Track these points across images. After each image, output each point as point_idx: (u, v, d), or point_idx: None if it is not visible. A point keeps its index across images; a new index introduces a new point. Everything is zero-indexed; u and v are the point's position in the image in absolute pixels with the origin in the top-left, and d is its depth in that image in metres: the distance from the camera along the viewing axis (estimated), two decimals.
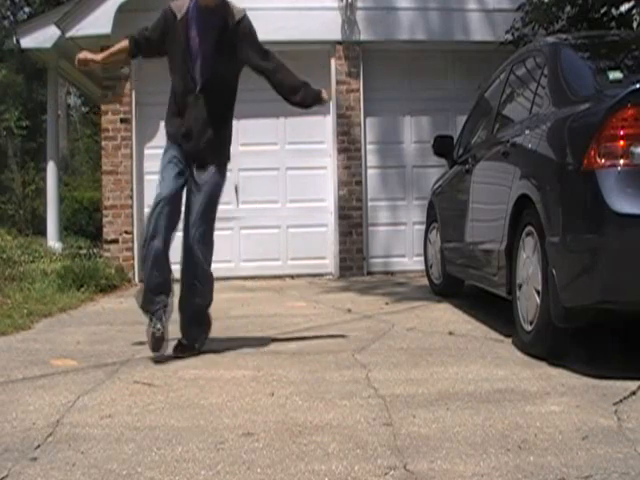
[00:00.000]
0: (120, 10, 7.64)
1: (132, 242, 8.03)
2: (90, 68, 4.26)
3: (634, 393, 2.96)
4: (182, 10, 3.87)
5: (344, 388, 3.19)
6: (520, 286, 3.90)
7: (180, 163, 3.92)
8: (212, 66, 3.88)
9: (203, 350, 4.00)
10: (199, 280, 3.97)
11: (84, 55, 4.15)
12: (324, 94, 4.19)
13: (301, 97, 4.13)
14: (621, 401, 2.87)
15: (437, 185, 6.41)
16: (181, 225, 3.96)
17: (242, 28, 3.92)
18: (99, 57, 4.19)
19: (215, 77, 3.89)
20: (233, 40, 3.90)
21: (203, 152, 3.93)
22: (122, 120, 8.02)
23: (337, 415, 2.79)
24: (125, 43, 4.08)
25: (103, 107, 8.13)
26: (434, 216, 6.35)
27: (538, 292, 3.60)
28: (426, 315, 5.23)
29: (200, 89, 3.88)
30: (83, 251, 9.75)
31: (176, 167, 3.91)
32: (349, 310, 5.51)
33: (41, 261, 8.53)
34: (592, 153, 3.19)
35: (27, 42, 8.64)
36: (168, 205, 3.84)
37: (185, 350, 3.95)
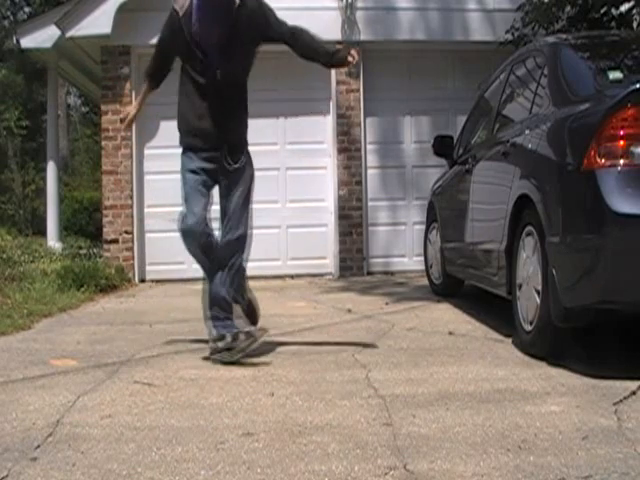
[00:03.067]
0: (120, 10, 7.63)
1: (132, 242, 8.03)
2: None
3: (634, 393, 2.96)
4: (185, 5, 3.79)
5: (344, 388, 3.19)
6: (520, 286, 3.90)
7: (204, 175, 3.84)
8: (223, 57, 3.81)
9: (204, 350, 4.00)
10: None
11: (127, 116, 4.24)
12: (353, 53, 3.97)
13: (325, 58, 4.02)
14: (621, 401, 2.87)
15: (437, 185, 6.41)
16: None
17: (245, 10, 3.81)
18: (137, 109, 4.22)
19: (227, 67, 3.83)
20: (239, 25, 3.80)
21: (231, 143, 3.89)
22: (122, 120, 7.99)
23: (337, 415, 2.79)
24: (146, 85, 4.11)
25: (103, 107, 8.12)
26: (434, 216, 6.35)
27: (538, 292, 3.60)
28: (426, 315, 5.23)
29: (216, 82, 3.81)
30: (83, 251, 9.76)
31: (201, 185, 3.83)
32: (349, 310, 5.51)
33: (41, 261, 8.54)
34: (592, 153, 3.19)
35: (27, 42, 8.63)
36: (197, 239, 3.79)
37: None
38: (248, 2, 3.83)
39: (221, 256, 3.84)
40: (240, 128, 3.97)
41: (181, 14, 3.79)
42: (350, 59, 3.94)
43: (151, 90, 4.13)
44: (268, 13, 3.94)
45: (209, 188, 3.89)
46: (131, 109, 4.25)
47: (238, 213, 3.87)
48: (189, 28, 3.77)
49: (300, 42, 3.96)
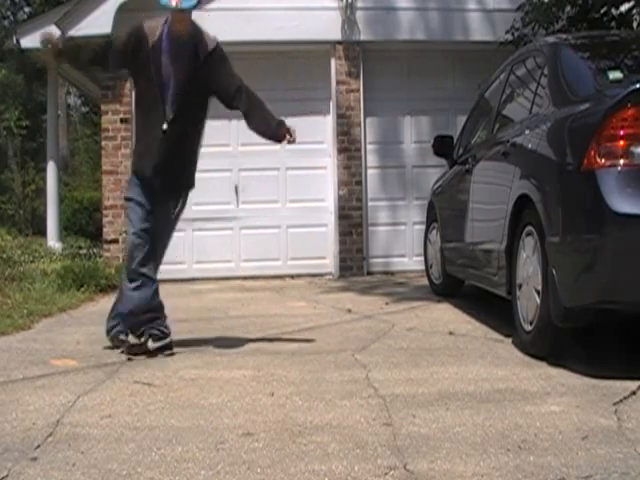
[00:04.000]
0: (120, 10, 7.64)
1: None
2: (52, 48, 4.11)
3: (634, 393, 2.96)
4: (155, 35, 3.80)
5: (344, 388, 3.19)
6: (520, 286, 3.90)
7: (147, 202, 3.93)
8: (183, 97, 3.83)
9: (204, 350, 4.00)
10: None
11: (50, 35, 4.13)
12: (292, 133, 4.04)
13: (265, 132, 4.10)
14: (621, 401, 2.87)
15: (437, 185, 6.41)
16: None
17: (214, 59, 3.86)
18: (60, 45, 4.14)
19: (185, 108, 3.85)
20: (204, 70, 3.84)
21: (174, 185, 3.97)
22: (122, 120, 8.02)
23: (337, 415, 2.79)
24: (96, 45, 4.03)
25: (103, 107, 8.13)
26: (434, 216, 6.35)
27: (538, 292, 3.60)
28: (426, 315, 5.23)
29: (170, 121, 3.83)
30: (83, 251, 9.74)
31: (143, 209, 3.92)
32: (349, 310, 5.51)
33: (41, 261, 8.53)
34: (592, 153, 3.19)
35: (27, 42, 8.60)
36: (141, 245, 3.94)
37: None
38: (218, 51, 3.88)
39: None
40: (186, 173, 4.03)
41: (151, 44, 3.78)
42: (288, 138, 4.03)
43: (90, 55, 4.09)
44: (229, 67, 3.97)
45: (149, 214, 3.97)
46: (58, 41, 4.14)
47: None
48: (157, 61, 3.77)
49: (251, 111, 4.02)
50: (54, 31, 4.02)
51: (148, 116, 3.89)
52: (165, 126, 3.83)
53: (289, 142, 4.08)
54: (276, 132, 4.05)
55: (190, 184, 4.08)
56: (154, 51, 3.78)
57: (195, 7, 3.80)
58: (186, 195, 4.08)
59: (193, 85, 3.84)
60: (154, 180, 3.89)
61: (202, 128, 4.04)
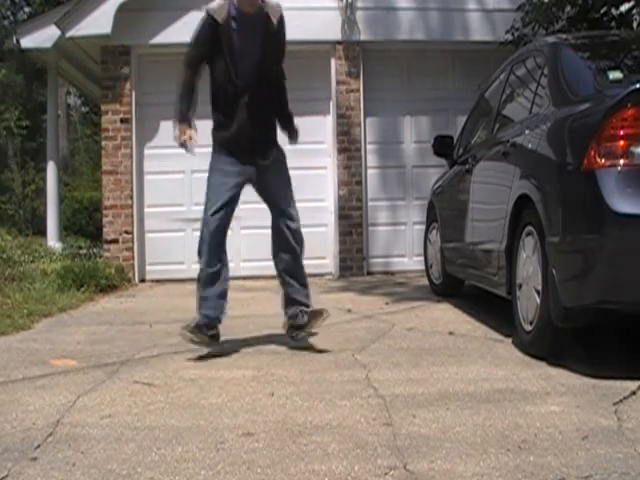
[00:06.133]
0: (120, 10, 7.63)
1: (132, 242, 8.03)
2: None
3: (634, 393, 2.96)
4: (222, 15, 3.84)
5: (344, 388, 3.19)
6: (520, 286, 3.90)
7: (236, 177, 3.96)
8: (258, 69, 3.89)
9: (203, 350, 4.00)
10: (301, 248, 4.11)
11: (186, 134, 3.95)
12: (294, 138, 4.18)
13: (284, 124, 4.16)
14: (621, 401, 2.87)
15: (437, 185, 6.41)
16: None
17: (279, 29, 3.94)
18: (189, 122, 3.98)
19: (262, 78, 3.91)
20: (274, 39, 3.93)
21: (262, 146, 4.00)
22: (122, 120, 8.02)
23: (337, 415, 2.79)
24: (188, 75, 3.96)
25: (103, 107, 8.12)
26: (434, 216, 6.35)
27: (538, 292, 3.60)
28: (426, 315, 5.23)
29: (249, 92, 3.89)
30: (83, 251, 9.76)
31: (232, 186, 3.95)
32: (349, 310, 5.51)
33: (41, 261, 8.54)
34: (592, 153, 3.19)
35: (27, 42, 8.63)
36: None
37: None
38: (283, 22, 3.95)
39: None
40: (270, 136, 4.08)
41: (221, 22, 3.82)
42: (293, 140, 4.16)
43: (191, 84, 4.00)
44: (284, 43, 4.05)
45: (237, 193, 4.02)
46: (186, 129, 3.95)
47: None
48: (230, 39, 3.82)
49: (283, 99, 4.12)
50: (186, 131, 3.96)
51: (226, 90, 3.91)
52: (246, 93, 3.89)
53: (291, 142, 4.15)
54: (294, 129, 4.16)
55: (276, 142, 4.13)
56: (225, 32, 3.82)
57: None
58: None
59: (266, 57, 3.91)
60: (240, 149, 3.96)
61: (283, 92, 4.12)
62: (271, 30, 3.90)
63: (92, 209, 14.44)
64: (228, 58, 3.85)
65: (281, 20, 3.95)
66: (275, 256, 4.11)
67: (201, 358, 3.87)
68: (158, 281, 7.99)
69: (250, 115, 3.91)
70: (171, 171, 8.10)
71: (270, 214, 4.10)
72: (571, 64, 3.97)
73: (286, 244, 4.04)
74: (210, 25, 3.86)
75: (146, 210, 8.16)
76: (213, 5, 3.95)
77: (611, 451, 2.33)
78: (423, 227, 6.97)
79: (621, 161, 3.16)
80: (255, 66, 3.89)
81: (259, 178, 4.02)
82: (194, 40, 3.96)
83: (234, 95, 3.90)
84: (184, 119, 3.90)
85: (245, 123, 3.92)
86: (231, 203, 3.96)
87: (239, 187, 4.00)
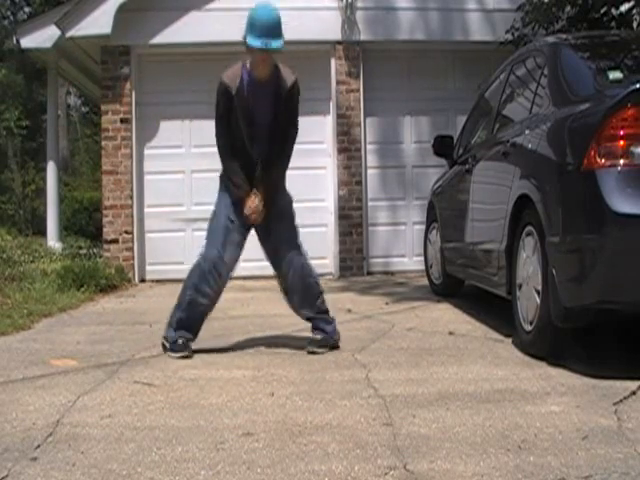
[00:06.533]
0: (120, 10, 7.63)
1: (132, 242, 8.03)
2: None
3: (634, 393, 2.96)
4: (236, 81, 3.88)
5: (344, 388, 3.19)
6: (520, 286, 3.90)
7: (240, 227, 4.11)
8: (270, 133, 3.94)
9: (203, 350, 4.00)
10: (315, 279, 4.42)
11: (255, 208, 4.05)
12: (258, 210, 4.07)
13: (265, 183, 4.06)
14: (621, 401, 2.87)
15: (437, 185, 6.41)
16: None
17: (292, 93, 3.96)
18: (261, 197, 4.03)
19: (273, 140, 3.95)
20: (286, 105, 3.95)
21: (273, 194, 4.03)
22: (122, 120, 8.01)
23: (337, 415, 2.79)
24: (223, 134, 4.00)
25: (103, 107, 8.12)
26: (434, 216, 6.35)
27: (538, 292, 3.60)
28: (426, 315, 5.23)
29: (262, 156, 3.95)
30: (83, 251, 9.76)
31: (235, 232, 4.14)
32: (349, 310, 5.51)
33: (41, 261, 8.54)
34: (592, 153, 3.19)
35: (27, 42, 8.63)
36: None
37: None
38: (296, 87, 3.97)
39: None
40: (280, 183, 4.10)
41: (234, 91, 3.86)
42: (252, 207, 4.06)
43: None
44: (297, 107, 4.06)
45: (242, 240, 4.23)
46: (254, 201, 4.03)
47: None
48: (245, 104, 3.87)
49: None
50: (251, 205, 4.03)
51: (239, 155, 3.97)
52: (257, 165, 3.96)
53: (249, 212, 4.06)
54: (266, 191, 4.03)
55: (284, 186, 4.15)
56: (238, 96, 3.87)
57: (282, 47, 3.93)
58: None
59: (278, 122, 3.95)
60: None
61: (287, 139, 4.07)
62: (284, 95, 3.93)
63: (92, 209, 14.44)
64: (242, 122, 3.90)
65: (294, 86, 3.96)
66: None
67: (201, 359, 3.87)
68: (158, 281, 7.98)
69: (262, 175, 3.98)
70: (171, 171, 8.10)
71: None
72: (571, 64, 3.97)
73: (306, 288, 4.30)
74: (224, 93, 3.90)
75: (146, 210, 8.15)
76: (227, 72, 3.96)
77: (611, 451, 2.33)
78: (423, 227, 6.97)
79: (621, 161, 3.16)
80: (266, 130, 3.93)
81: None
82: (216, 105, 3.98)
83: (248, 159, 3.96)
84: (243, 191, 3.98)
85: (257, 184, 3.98)
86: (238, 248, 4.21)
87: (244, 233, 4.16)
